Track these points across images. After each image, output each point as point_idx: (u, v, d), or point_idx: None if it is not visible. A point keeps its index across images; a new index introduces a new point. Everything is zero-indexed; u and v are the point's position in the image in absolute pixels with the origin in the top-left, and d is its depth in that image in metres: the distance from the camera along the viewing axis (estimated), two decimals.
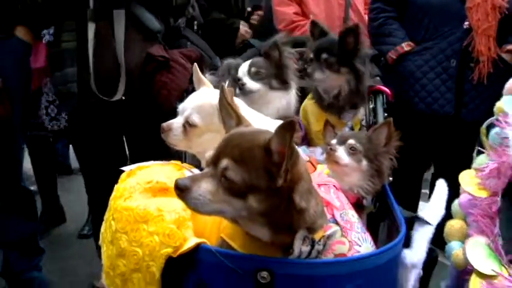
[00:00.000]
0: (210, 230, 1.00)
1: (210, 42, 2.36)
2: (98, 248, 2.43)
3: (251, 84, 1.72)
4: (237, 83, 1.74)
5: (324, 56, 1.62)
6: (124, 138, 2.39)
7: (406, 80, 2.30)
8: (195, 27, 2.35)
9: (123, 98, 2.09)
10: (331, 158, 1.27)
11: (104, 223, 1.12)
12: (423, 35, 2.24)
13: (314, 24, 1.76)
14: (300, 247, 0.89)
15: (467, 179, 1.35)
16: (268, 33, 2.72)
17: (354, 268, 0.95)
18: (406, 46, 2.27)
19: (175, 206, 0.98)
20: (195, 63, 1.53)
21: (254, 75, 1.73)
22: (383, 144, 1.31)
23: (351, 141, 1.28)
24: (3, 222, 2.34)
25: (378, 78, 1.76)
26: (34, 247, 2.55)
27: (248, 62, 1.77)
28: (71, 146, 4.09)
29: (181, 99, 2.13)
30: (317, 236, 0.92)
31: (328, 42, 1.66)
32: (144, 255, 0.95)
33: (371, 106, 1.68)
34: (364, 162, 1.28)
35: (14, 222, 2.38)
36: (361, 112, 1.68)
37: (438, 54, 2.22)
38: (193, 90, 1.63)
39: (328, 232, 0.93)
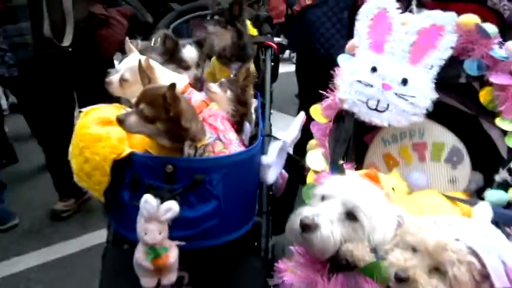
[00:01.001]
0: (138, 144, 1.97)
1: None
2: (56, 178, 3.36)
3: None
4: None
5: (217, 17, 2.52)
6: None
7: (308, 29, 3.27)
8: None
9: (70, 49, 3.01)
10: (208, 90, 2.22)
11: (71, 145, 2.05)
12: None
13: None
14: (187, 151, 1.87)
15: (317, 110, 2.36)
16: None
17: (222, 162, 1.92)
18: (308, 0, 3.22)
19: (117, 130, 1.92)
20: (127, 38, 2.38)
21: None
22: (242, 81, 2.24)
23: (223, 80, 2.24)
24: None
25: (269, 35, 2.70)
26: None
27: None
28: None
29: (119, 50, 3.07)
30: (199, 145, 1.91)
31: (222, 9, 2.56)
32: (100, 160, 1.89)
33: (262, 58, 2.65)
34: (229, 92, 2.21)
35: None
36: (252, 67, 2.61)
37: (333, 7, 3.19)
38: None
39: (206, 142, 1.93)
